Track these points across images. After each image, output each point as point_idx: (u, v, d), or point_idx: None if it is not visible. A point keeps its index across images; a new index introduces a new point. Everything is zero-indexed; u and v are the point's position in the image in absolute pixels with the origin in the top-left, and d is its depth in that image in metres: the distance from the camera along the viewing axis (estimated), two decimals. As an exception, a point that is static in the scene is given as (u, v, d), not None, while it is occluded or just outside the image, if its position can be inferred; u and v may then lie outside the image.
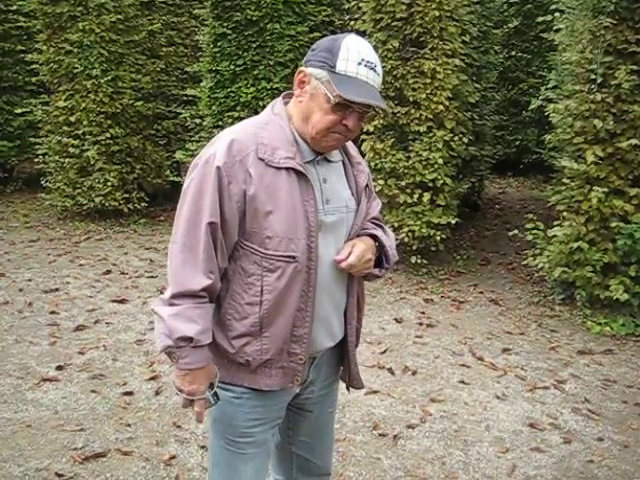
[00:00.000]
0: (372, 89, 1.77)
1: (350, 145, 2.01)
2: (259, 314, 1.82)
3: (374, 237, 1.97)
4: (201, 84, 7.64)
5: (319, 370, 2.04)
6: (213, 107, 7.29)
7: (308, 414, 2.12)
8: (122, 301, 5.48)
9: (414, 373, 4.32)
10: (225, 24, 7.05)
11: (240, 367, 1.89)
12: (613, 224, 5.02)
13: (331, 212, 1.87)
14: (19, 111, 8.89)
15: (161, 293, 2.07)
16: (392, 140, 6.14)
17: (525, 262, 5.78)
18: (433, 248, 6.22)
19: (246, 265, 1.82)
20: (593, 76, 5.08)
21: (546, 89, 5.96)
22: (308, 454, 2.20)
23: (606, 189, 5.02)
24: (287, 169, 1.78)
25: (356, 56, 1.74)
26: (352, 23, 6.71)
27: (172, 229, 1.86)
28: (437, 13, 5.76)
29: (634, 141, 4.92)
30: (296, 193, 1.79)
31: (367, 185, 1.99)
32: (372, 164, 6.13)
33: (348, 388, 2.15)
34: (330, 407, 2.19)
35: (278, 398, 1.96)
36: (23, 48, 9.25)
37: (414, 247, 6.10)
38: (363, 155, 6.22)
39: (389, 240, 2.02)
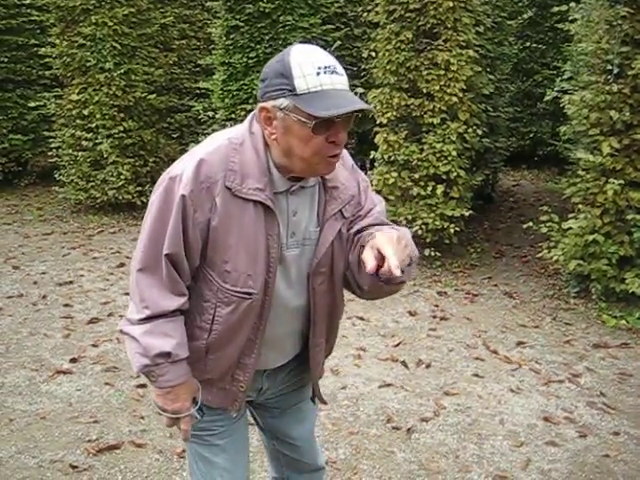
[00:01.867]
0: (343, 93, 1.58)
1: None
2: (206, 341, 1.76)
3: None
4: (214, 77, 7.63)
5: (274, 378, 1.98)
6: (226, 100, 7.28)
7: (273, 410, 2.07)
8: (135, 294, 5.49)
9: (428, 366, 4.30)
10: (238, 16, 7.02)
11: None
12: (629, 216, 4.97)
13: (294, 246, 1.76)
14: (33, 105, 8.91)
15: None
16: (405, 132, 6.11)
17: (540, 255, 5.74)
18: (447, 241, 6.19)
19: (203, 289, 1.75)
20: (609, 67, 5.01)
21: (561, 80, 5.91)
22: (292, 453, 2.15)
23: (622, 181, 4.96)
24: (254, 202, 1.66)
25: (311, 68, 1.56)
26: (365, 15, 6.68)
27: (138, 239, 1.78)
28: (451, 4, 5.71)
29: (651, 132, 4.87)
30: (260, 227, 1.67)
31: (341, 211, 1.78)
32: (385, 156, 6.10)
33: (313, 400, 2.10)
34: (297, 400, 2.09)
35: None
36: (36, 42, 9.27)
37: (428, 240, 6.07)
38: (376, 148, 6.19)
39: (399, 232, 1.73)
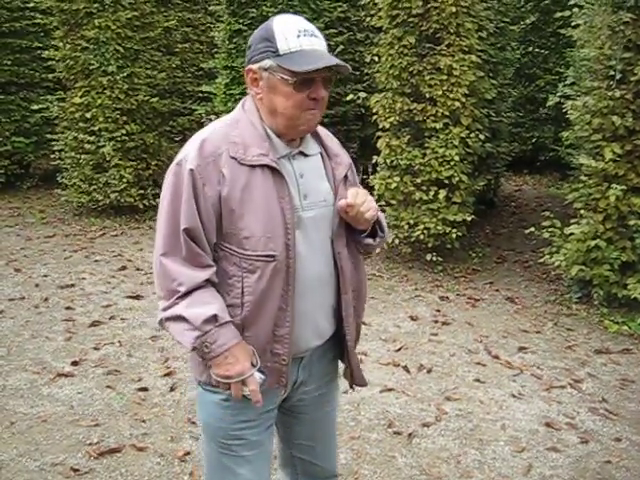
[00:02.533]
0: (321, 53, 1.75)
1: (326, 136, 1.98)
2: (241, 316, 1.78)
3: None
4: (216, 80, 7.64)
5: (309, 370, 1.98)
6: (229, 104, 7.28)
7: (302, 416, 2.07)
8: (137, 297, 5.50)
9: (429, 371, 4.30)
10: (241, 20, 7.04)
11: None
12: (631, 222, 4.97)
13: (310, 207, 1.84)
14: (36, 107, 8.93)
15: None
16: (408, 137, 6.11)
17: (541, 260, 5.73)
18: (449, 245, 6.19)
19: (226, 267, 1.78)
20: (612, 72, 5.02)
21: (564, 86, 5.90)
22: (310, 457, 2.14)
23: (624, 187, 4.96)
24: (261, 166, 1.75)
25: (292, 31, 1.74)
26: (368, 19, 6.69)
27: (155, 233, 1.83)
28: (454, 9, 5.72)
29: (653, 138, 4.87)
30: (271, 190, 1.76)
31: (346, 176, 1.94)
32: (388, 161, 6.11)
33: (352, 386, 2.10)
34: (327, 407, 2.11)
35: (267, 400, 1.87)
36: (40, 45, 9.29)
37: (429, 244, 6.07)
38: (378, 152, 6.20)
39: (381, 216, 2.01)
